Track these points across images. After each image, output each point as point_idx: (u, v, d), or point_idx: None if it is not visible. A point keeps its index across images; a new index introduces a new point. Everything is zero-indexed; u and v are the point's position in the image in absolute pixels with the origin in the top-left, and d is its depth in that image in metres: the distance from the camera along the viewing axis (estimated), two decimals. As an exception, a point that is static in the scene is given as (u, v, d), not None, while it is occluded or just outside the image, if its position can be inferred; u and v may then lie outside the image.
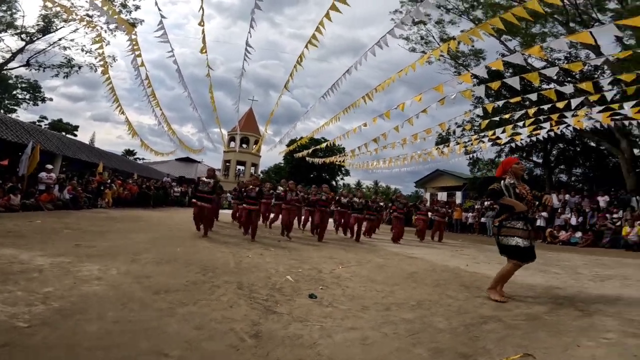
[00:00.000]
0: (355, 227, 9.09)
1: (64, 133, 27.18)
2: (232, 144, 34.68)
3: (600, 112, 8.17)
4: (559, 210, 13.00)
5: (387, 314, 2.78)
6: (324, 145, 15.12)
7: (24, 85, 25.66)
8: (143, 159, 39.89)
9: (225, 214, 13.40)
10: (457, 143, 12.71)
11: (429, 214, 11.11)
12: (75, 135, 33.79)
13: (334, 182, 40.48)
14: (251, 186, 7.50)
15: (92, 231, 6.40)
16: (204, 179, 7.10)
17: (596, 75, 13.10)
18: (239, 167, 36.12)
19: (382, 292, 3.50)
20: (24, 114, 35.44)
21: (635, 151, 14.47)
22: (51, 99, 36.73)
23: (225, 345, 2.03)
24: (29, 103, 26.76)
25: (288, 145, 20.13)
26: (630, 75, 5.26)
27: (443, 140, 16.72)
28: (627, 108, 7.47)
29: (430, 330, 2.40)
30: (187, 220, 8.73)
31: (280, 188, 8.95)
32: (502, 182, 3.42)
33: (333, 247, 7.21)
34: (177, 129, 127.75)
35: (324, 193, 8.53)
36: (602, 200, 12.43)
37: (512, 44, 15.27)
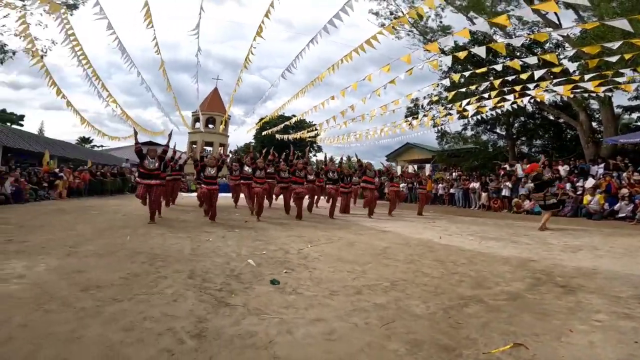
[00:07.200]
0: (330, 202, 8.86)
1: (8, 124, 24.60)
2: (198, 125, 33.39)
3: (559, 84, 8.23)
4: (523, 180, 13.40)
5: (357, 299, 2.49)
6: (293, 120, 14.68)
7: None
8: (101, 146, 37.16)
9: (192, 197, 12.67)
10: (425, 115, 12.59)
11: (402, 185, 10.97)
12: (22, 125, 30.67)
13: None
14: (209, 165, 7.01)
15: (31, 225, 5.66)
16: (149, 158, 6.44)
17: (557, 52, 13.33)
18: (207, 148, 35.22)
19: (353, 273, 3.23)
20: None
21: (593, 124, 15.15)
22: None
23: (157, 350, 1.65)
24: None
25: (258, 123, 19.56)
26: (594, 48, 5.15)
27: (412, 113, 16.65)
28: (587, 82, 7.57)
29: (406, 317, 2.13)
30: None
31: (247, 168, 8.46)
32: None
33: (304, 226, 6.91)
34: (140, 113, 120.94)
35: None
36: (562, 170, 12.94)
37: (478, 21, 15.21)
